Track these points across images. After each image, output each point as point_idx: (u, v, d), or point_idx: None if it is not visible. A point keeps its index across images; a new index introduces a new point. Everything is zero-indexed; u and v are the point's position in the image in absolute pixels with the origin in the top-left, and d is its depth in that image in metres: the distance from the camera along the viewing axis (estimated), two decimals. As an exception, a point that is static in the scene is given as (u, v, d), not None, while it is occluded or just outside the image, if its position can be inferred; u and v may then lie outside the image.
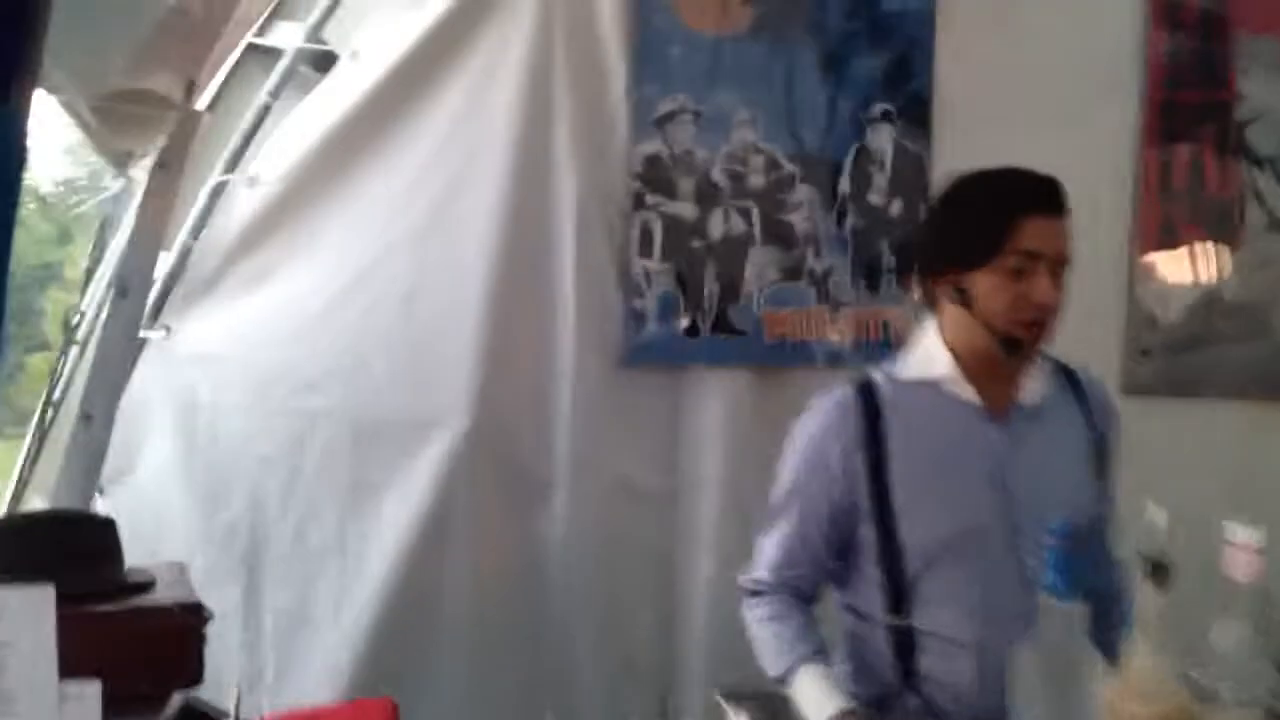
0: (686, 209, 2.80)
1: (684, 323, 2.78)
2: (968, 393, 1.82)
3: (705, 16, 2.78)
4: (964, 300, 1.76)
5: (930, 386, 1.84)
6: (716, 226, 2.81)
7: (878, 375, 1.89)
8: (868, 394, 1.85)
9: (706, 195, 2.80)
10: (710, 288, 2.80)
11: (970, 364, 1.81)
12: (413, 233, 2.64)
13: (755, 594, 1.95)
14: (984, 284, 1.74)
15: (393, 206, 2.64)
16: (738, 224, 2.82)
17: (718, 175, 2.80)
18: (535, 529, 2.70)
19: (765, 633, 1.92)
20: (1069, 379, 1.92)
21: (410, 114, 2.68)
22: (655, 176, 2.77)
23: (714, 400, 2.80)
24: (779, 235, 2.83)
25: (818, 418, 1.88)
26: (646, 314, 2.78)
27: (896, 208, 2.87)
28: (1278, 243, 2.96)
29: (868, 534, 1.83)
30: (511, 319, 2.68)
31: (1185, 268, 2.96)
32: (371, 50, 2.71)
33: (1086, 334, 2.84)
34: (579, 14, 2.73)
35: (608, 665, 2.74)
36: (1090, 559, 1.53)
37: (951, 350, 1.82)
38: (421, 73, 2.68)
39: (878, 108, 2.84)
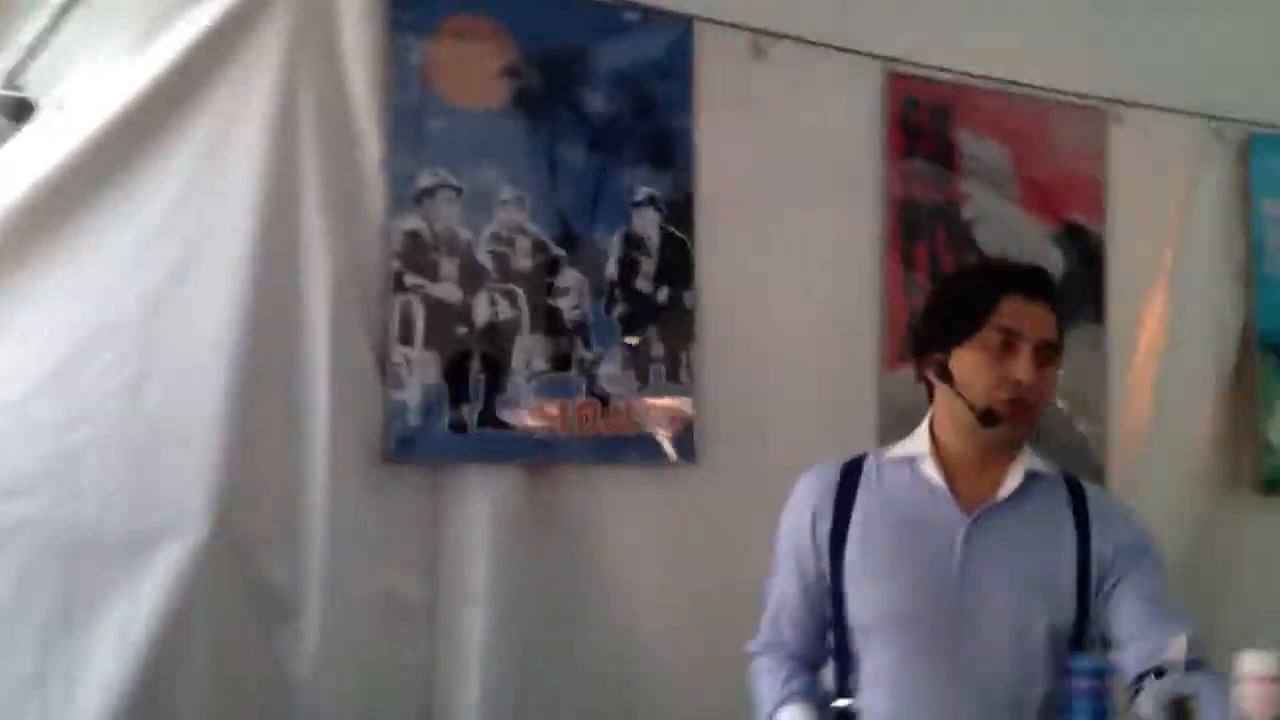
0: (450, 291, 2.56)
1: (449, 417, 2.52)
2: (936, 474, 1.83)
3: (463, 87, 2.60)
4: (946, 377, 1.81)
5: (908, 466, 1.86)
6: (482, 312, 2.59)
7: (870, 453, 1.95)
8: (851, 467, 1.91)
9: (470, 278, 2.58)
10: (476, 378, 2.57)
11: (952, 447, 1.84)
12: (138, 311, 2.23)
13: (755, 655, 1.96)
14: (966, 360, 1.78)
15: (114, 279, 2.22)
16: (504, 309, 2.61)
17: (482, 257, 2.59)
18: (282, 652, 2.32)
19: (757, 686, 1.92)
20: (1070, 488, 1.89)
21: (133, 175, 2.28)
22: (415, 256, 2.52)
23: (481, 502, 2.54)
24: (547, 322, 2.65)
25: (800, 485, 1.96)
26: (408, 407, 2.50)
27: (664, 295, 2.77)
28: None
29: (827, 606, 1.83)
30: (255, 412, 2.32)
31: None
32: (83, 100, 2.31)
33: (835, 432, 2.91)
34: (328, 75, 2.47)
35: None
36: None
37: (933, 432, 1.86)
38: (146, 128, 2.30)
39: (643, 191, 2.76)
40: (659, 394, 2.74)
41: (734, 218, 2.82)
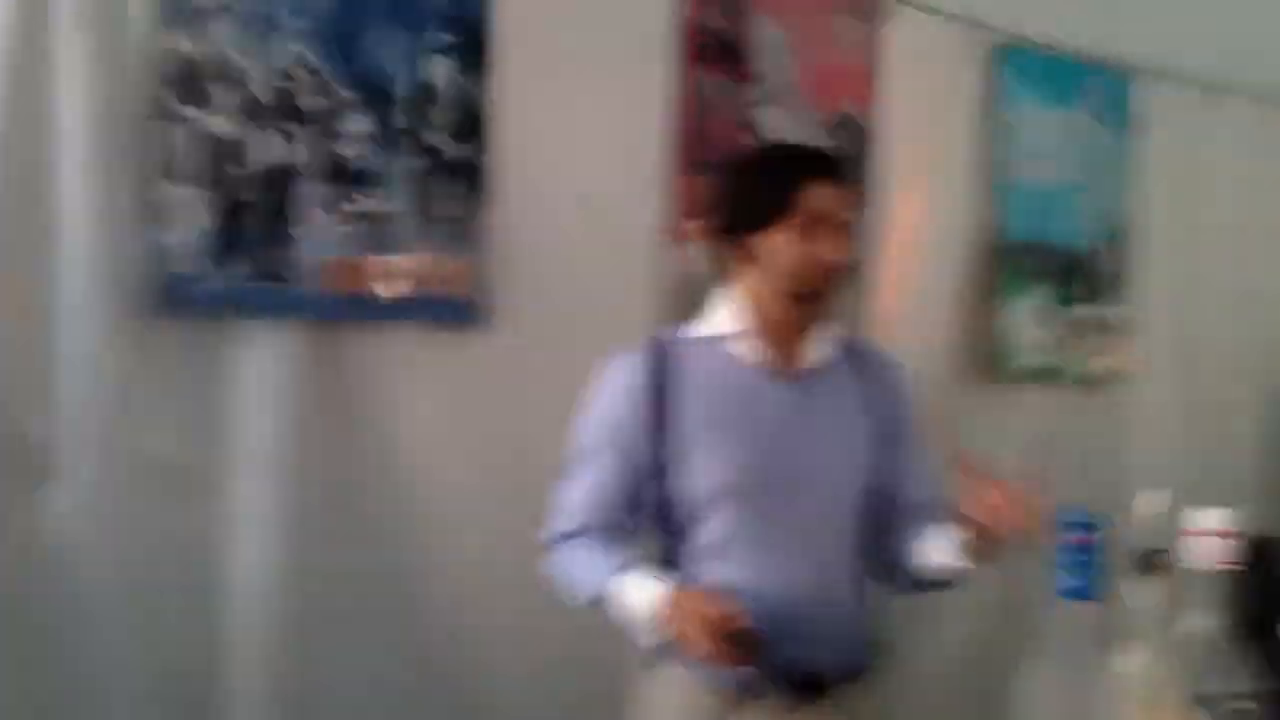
0: (224, 126, 2.30)
1: (224, 268, 2.27)
2: (755, 350, 1.87)
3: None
4: (755, 259, 1.85)
5: (718, 345, 1.89)
6: (260, 151, 2.34)
7: (665, 335, 2.01)
8: (659, 350, 1.94)
9: (248, 113, 2.32)
10: (253, 226, 2.32)
11: (761, 324, 1.87)
12: None
13: (563, 538, 1.90)
14: (775, 243, 1.83)
15: None
16: (285, 151, 2.37)
17: (261, 90, 2.34)
18: (38, 521, 2.04)
19: (574, 563, 1.89)
20: (852, 351, 1.99)
21: None
22: (186, 82, 2.24)
23: (261, 361, 2.32)
24: (333, 170, 2.43)
25: (613, 375, 1.96)
26: (175, 252, 2.23)
27: (457, 149, 2.60)
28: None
29: (651, 487, 1.88)
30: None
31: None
32: None
33: (623, 298, 2.86)
34: None
35: (138, 682, 2.16)
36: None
37: (742, 311, 1.89)
38: None
39: (437, 38, 2.57)
40: (450, 253, 2.59)
41: (531, 73, 2.68)
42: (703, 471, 1.83)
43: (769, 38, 3.10)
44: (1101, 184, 3.88)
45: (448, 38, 2.57)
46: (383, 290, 2.49)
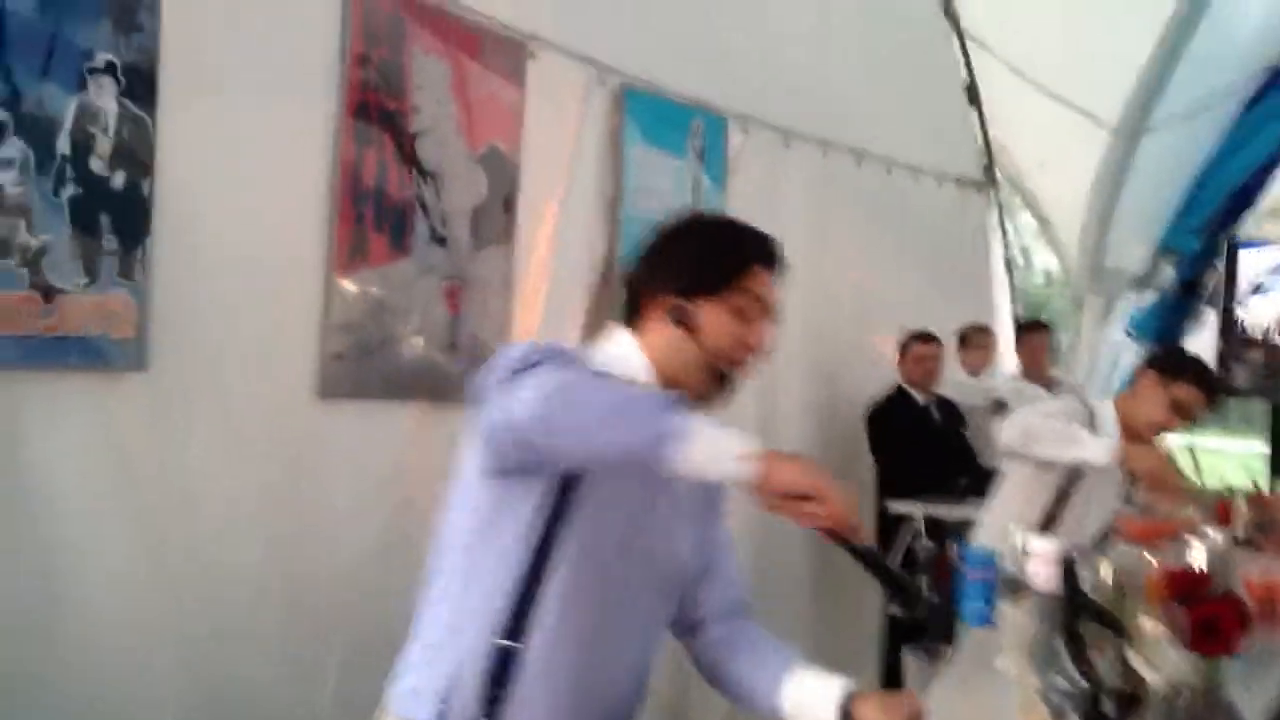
0: None
1: None
2: None
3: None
4: (685, 324, 1.77)
5: None
6: (-98, 178, 2.07)
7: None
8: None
9: (-112, 133, 2.04)
10: (-107, 260, 2.05)
11: (669, 385, 1.77)
12: None
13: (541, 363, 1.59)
14: (713, 315, 1.76)
15: None
16: (-69, 178, 2.11)
17: (-100, 108, 2.07)
18: None
19: (591, 385, 1.57)
20: None
21: None
22: None
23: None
24: (-17, 198, 2.19)
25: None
26: None
27: (120, 180, 2.42)
28: (437, 253, 3.20)
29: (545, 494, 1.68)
30: None
31: (378, 275, 3.02)
32: None
33: (285, 337, 2.82)
34: None
35: None
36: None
37: (652, 366, 1.79)
38: None
39: (101, 57, 2.37)
40: (108, 290, 2.41)
41: (199, 100, 2.56)
42: (584, 515, 1.70)
43: (429, 72, 3.13)
44: (702, 218, 4.24)
45: (113, 63, 2.39)
46: (35, 330, 2.28)
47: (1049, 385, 5.62)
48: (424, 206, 3.15)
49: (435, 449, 3.23)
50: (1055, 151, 5.92)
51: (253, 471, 2.75)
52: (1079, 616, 1.63)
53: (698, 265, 1.79)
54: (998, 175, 6.28)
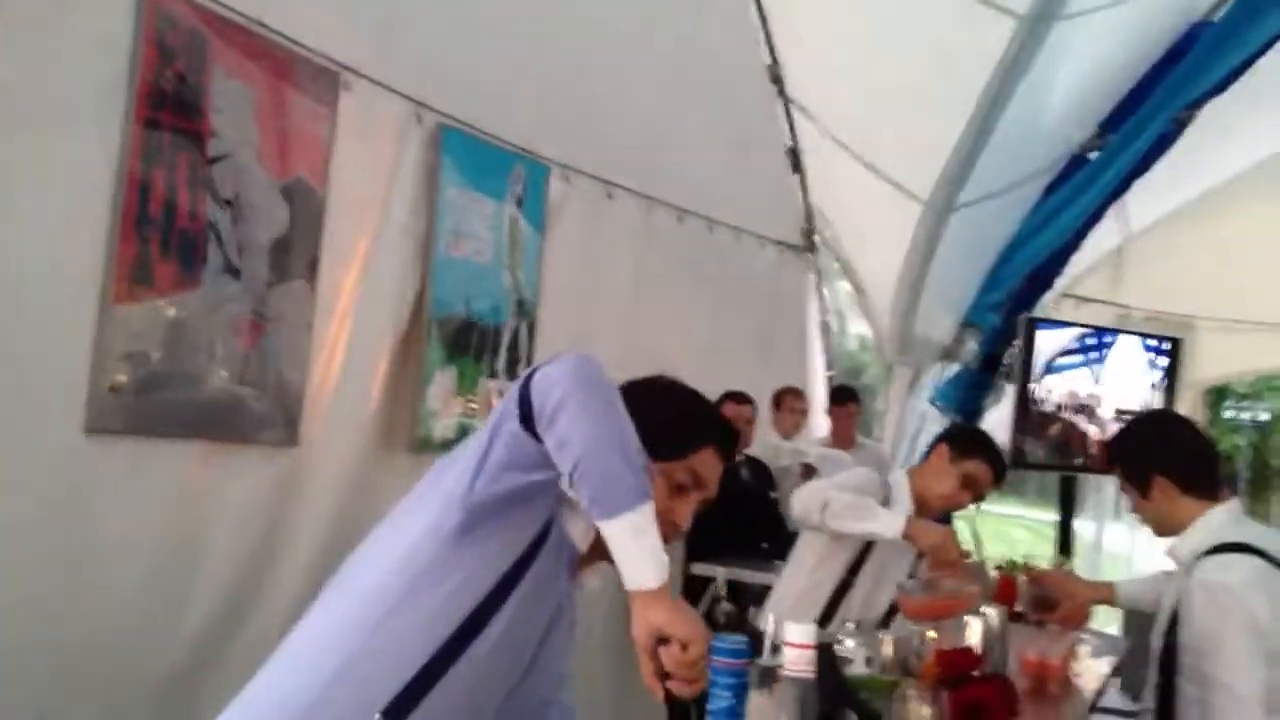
0: None
1: None
2: (579, 536, 1.68)
3: None
4: None
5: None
6: None
7: None
8: None
9: None
10: None
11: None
12: None
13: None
14: (652, 475, 1.64)
15: None
16: None
17: None
18: None
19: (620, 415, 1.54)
20: None
21: None
22: None
23: None
24: None
25: None
26: None
27: None
28: (231, 285, 3.01)
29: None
30: None
31: (162, 305, 2.83)
32: None
33: (49, 365, 2.60)
34: None
35: None
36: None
37: None
38: None
39: None
40: None
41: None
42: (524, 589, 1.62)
43: (232, 95, 2.97)
44: (518, 265, 4.17)
45: None
46: None
47: (852, 450, 5.72)
48: (218, 235, 2.97)
49: (220, 488, 3.06)
50: (872, 222, 6.07)
51: (5, 510, 2.52)
52: (836, 706, 1.59)
53: (659, 428, 1.68)
54: (817, 241, 6.40)
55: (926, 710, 2.05)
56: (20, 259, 2.52)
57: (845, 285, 6.90)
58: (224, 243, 2.98)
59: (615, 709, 4.28)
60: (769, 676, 1.56)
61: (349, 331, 3.47)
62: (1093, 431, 6.61)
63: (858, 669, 2.22)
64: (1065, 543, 7.14)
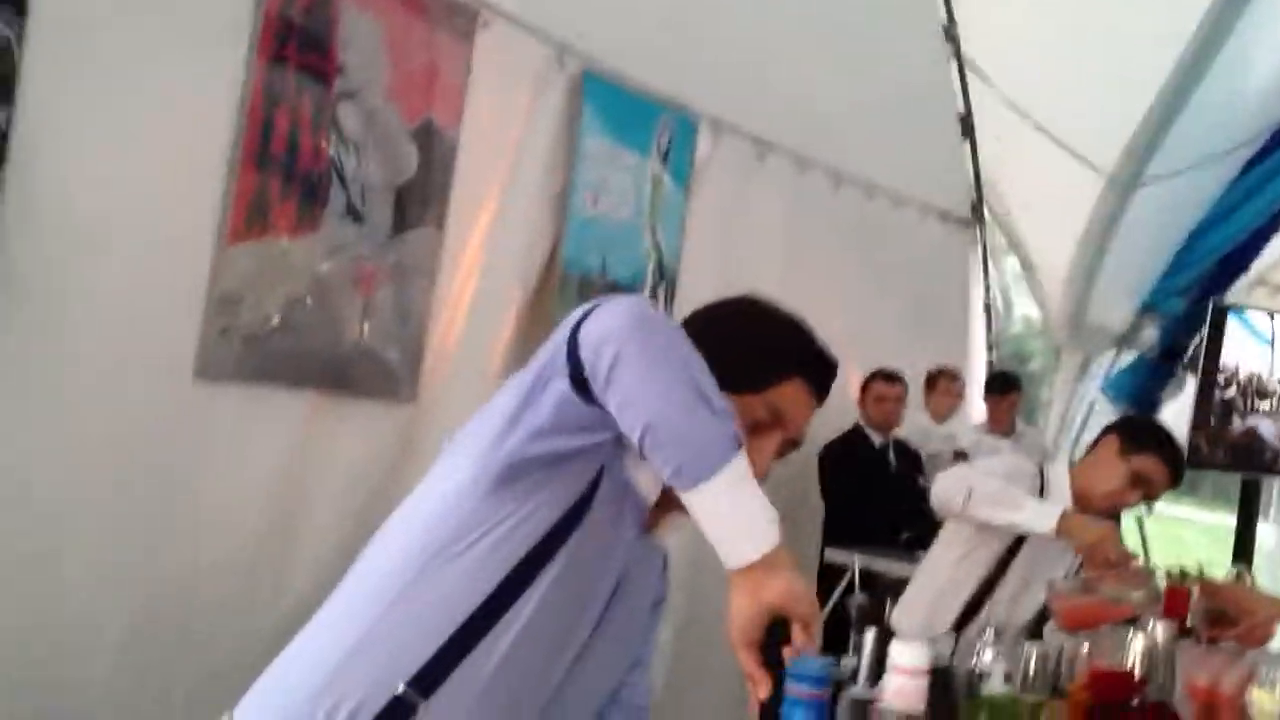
0: None
1: None
2: (647, 486, 1.44)
3: None
4: None
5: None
6: None
7: None
8: None
9: None
10: None
11: None
12: None
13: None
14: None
15: None
16: None
17: None
18: None
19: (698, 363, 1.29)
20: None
21: None
22: None
23: None
24: None
25: None
26: None
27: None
28: (352, 230, 2.90)
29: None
30: None
31: (280, 248, 2.72)
32: None
33: (161, 306, 2.52)
34: None
35: None
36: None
37: None
38: None
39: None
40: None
41: (81, 21, 2.27)
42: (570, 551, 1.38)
43: (362, 31, 2.84)
44: (660, 224, 3.96)
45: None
46: None
47: (1013, 437, 5.36)
48: (341, 177, 2.85)
49: (331, 443, 2.96)
50: (1047, 195, 5.66)
51: (103, 458, 2.44)
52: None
53: (735, 355, 1.44)
54: (985, 213, 6.01)
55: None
56: (138, 193, 2.43)
57: (1012, 264, 6.49)
58: (347, 185, 2.86)
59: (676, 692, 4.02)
60: (863, 712, 1.27)
61: (475, 286, 3.32)
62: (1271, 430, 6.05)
63: (994, 685, 1.95)
64: (1244, 550, 6.57)
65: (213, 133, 2.58)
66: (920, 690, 1.26)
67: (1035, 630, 2.87)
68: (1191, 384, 6.11)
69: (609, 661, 1.51)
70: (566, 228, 3.60)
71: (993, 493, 2.72)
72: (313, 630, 1.45)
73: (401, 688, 1.33)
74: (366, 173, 2.90)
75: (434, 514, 1.39)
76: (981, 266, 6.14)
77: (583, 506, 1.38)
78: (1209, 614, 3.01)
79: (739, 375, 1.44)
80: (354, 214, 2.89)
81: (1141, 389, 6.36)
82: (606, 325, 1.27)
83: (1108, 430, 3.00)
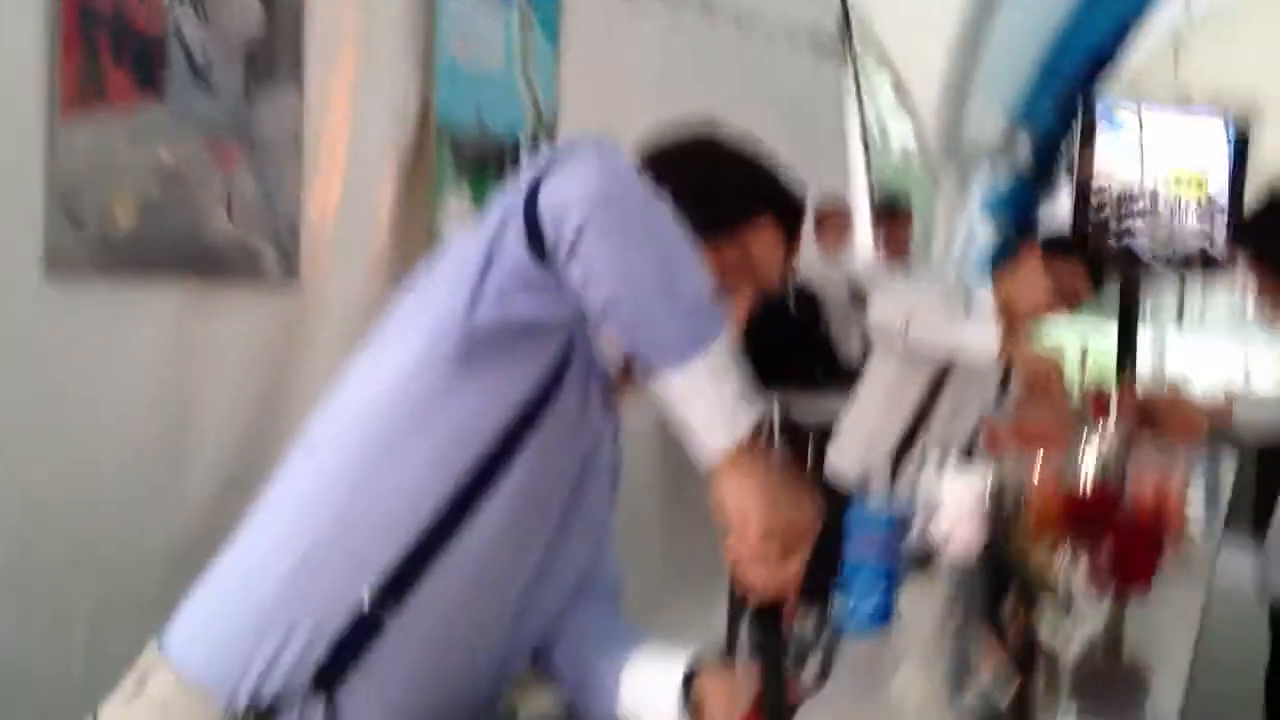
0: None
1: None
2: (610, 352, 1.29)
3: None
4: None
5: None
6: None
7: None
8: None
9: None
10: None
11: None
12: None
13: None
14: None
15: None
16: None
17: None
18: None
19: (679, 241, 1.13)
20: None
21: None
22: None
23: None
24: None
25: None
26: None
27: None
28: (202, 97, 2.57)
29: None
30: None
31: (122, 123, 2.39)
32: None
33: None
34: None
35: None
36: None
37: None
38: None
39: None
40: None
41: None
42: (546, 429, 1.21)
43: None
44: (533, 73, 3.69)
45: None
46: None
47: (908, 272, 5.30)
48: (181, 37, 2.52)
49: (210, 339, 2.69)
50: (915, 8, 5.50)
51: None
52: (1000, 596, 1.12)
53: (701, 198, 1.29)
54: (855, 36, 5.83)
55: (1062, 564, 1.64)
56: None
57: (887, 91, 6.36)
58: (188, 44, 2.53)
59: (667, 563, 3.96)
60: (925, 560, 1.05)
61: (345, 149, 3.03)
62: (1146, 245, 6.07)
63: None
64: (1126, 359, 6.66)
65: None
66: (974, 531, 1.08)
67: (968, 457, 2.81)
68: (1066, 198, 6.10)
69: (581, 545, 1.35)
70: (435, 79, 3.30)
71: (937, 312, 2.60)
72: (245, 546, 1.24)
73: (366, 601, 1.14)
74: (209, 31, 2.57)
75: (382, 398, 1.19)
76: (855, 96, 6.00)
77: (553, 383, 1.21)
78: (1142, 418, 2.97)
79: (707, 221, 1.28)
80: (200, 78, 2.57)
81: (1020, 205, 6.35)
82: (570, 190, 1.10)
83: (1028, 243, 2.90)
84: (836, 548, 1.30)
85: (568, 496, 1.28)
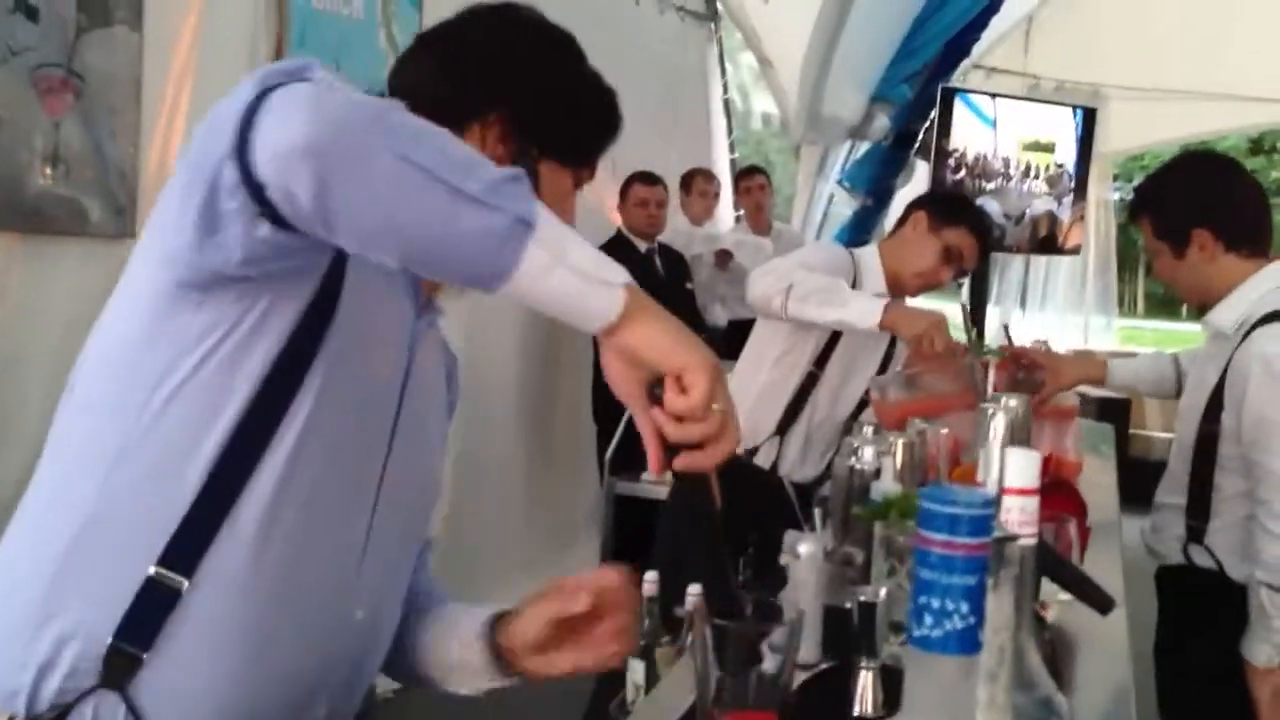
0: None
1: None
2: None
3: None
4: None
5: None
6: None
7: None
8: None
9: None
10: None
11: None
12: None
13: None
14: (544, 178, 1.20)
15: None
16: None
17: None
18: None
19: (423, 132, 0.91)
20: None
21: None
22: None
23: None
24: None
25: None
26: None
27: None
28: (27, 28, 2.30)
29: None
30: None
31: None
32: None
33: None
34: None
35: None
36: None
37: None
38: None
39: None
40: None
41: None
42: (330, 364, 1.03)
43: None
44: (395, 24, 3.49)
45: None
46: None
47: (770, 236, 5.24)
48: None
49: (38, 294, 2.43)
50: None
51: None
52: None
53: (556, 115, 1.20)
54: (720, 7, 5.75)
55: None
56: None
57: (749, 60, 6.31)
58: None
59: (543, 505, 3.79)
60: (1001, 556, 0.80)
61: (190, 94, 2.78)
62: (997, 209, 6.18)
63: (887, 485, 1.74)
64: (978, 332, 6.77)
65: None
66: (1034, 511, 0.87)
67: (851, 424, 2.73)
68: (923, 170, 6.16)
69: (421, 461, 1.19)
70: (291, 26, 3.07)
71: (817, 288, 2.49)
72: (19, 526, 1.05)
73: (153, 569, 0.98)
74: (34, -45, 2.30)
75: (133, 343, 1.01)
76: (719, 64, 5.93)
77: (332, 288, 1.03)
78: (1022, 381, 2.95)
79: (551, 138, 1.20)
80: (25, 7, 2.30)
81: (877, 177, 6.38)
82: (284, 139, 0.87)
83: (915, 206, 2.83)
84: (738, 522, 1.19)
85: (394, 415, 1.12)
